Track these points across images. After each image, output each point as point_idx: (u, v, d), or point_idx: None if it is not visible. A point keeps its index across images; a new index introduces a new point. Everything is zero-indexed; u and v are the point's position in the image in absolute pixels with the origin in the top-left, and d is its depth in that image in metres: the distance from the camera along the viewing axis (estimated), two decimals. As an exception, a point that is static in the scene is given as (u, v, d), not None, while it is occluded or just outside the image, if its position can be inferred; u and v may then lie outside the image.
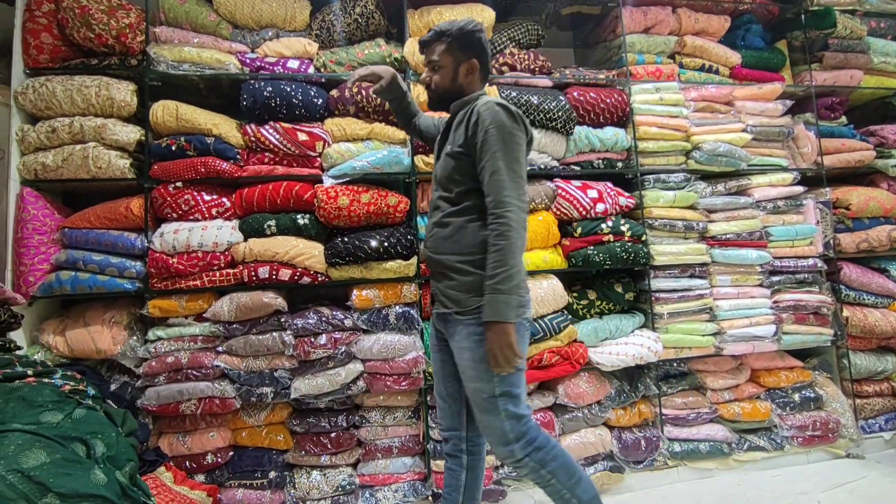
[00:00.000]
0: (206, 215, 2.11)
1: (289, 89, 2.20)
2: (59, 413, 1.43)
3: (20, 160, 2.01)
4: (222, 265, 2.09)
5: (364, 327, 2.14)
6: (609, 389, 2.36)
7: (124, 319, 2.01)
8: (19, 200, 1.99)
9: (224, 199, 2.15)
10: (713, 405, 2.49)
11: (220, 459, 2.08)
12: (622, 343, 2.34)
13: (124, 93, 2.03)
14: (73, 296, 1.99)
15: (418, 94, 2.28)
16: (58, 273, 1.98)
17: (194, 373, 2.00)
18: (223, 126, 2.15)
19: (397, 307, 2.16)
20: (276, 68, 2.24)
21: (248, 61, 2.24)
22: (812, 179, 2.75)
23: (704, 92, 2.63)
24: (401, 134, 2.30)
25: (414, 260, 2.16)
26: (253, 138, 2.16)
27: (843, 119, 2.89)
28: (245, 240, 2.13)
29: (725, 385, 2.52)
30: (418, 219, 2.26)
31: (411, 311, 2.16)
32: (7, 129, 2.02)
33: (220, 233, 2.08)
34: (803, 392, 2.58)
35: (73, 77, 2.02)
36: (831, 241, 2.68)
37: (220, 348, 2.06)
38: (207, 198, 2.12)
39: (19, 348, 1.73)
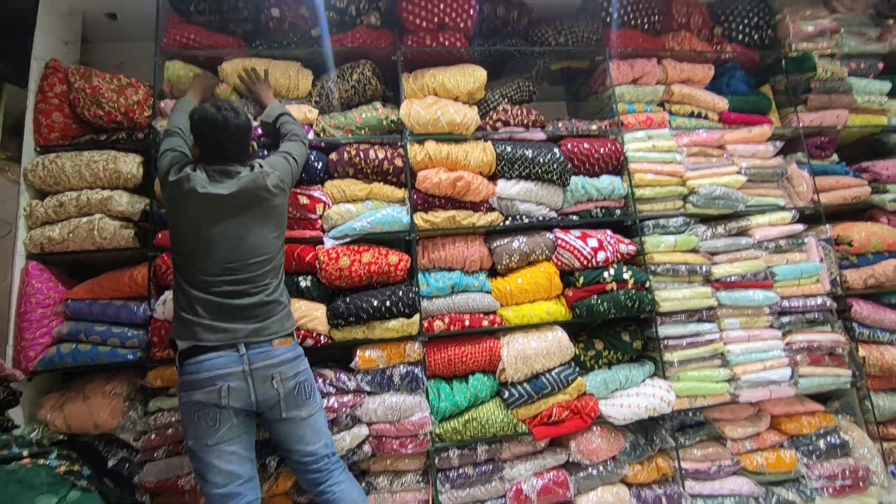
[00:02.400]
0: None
1: (290, 154, 2.25)
2: (53, 497, 1.39)
3: (27, 234, 2.05)
4: (224, 331, 2.07)
5: (368, 389, 2.10)
6: (623, 443, 2.27)
7: (124, 391, 1.98)
8: (24, 274, 2.01)
9: (226, 264, 2.16)
10: (735, 456, 2.39)
11: (221, 536, 1.98)
12: (633, 394, 2.27)
13: (131, 165, 2.10)
14: (75, 368, 1.97)
15: (415, 153, 2.34)
16: (59, 346, 1.97)
17: (195, 444, 1.94)
18: (226, 192, 2.19)
19: (401, 367, 2.13)
20: (277, 135, 2.31)
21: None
22: (811, 217, 2.76)
23: (696, 137, 2.68)
24: (399, 193, 2.34)
25: (416, 318, 2.15)
26: (255, 203, 2.20)
27: (835, 157, 2.93)
28: (247, 304, 2.13)
29: (745, 434, 2.43)
30: (420, 276, 2.26)
31: (416, 371, 2.12)
32: (15, 205, 2.07)
33: (222, 298, 2.08)
34: (828, 438, 2.48)
35: (82, 153, 2.09)
36: (838, 279, 2.66)
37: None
38: (211, 264, 2.13)
39: (16, 427, 1.70)
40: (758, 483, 2.35)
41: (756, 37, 2.95)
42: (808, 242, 2.68)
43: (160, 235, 2.11)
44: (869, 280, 2.66)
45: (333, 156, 2.34)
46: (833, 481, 2.37)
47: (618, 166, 2.56)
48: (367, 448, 2.06)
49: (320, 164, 2.31)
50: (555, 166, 2.37)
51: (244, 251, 1.64)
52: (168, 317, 2.01)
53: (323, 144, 2.37)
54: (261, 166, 1.77)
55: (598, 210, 2.51)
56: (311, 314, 2.11)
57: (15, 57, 2.25)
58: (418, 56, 2.55)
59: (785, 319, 2.55)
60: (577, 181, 2.46)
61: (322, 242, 2.24)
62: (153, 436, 1.92)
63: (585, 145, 2.49)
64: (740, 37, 2.94)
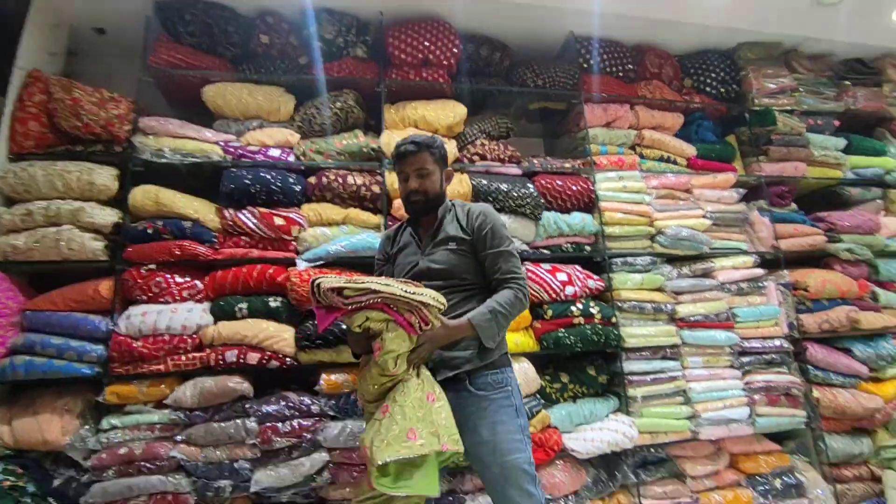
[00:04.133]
0: (177, 297, 2.10)
1: (269, 176, 2.28)
2: (-7, 514, 1.33)
3: (-9, 242, 2.01)
4: (189, 348, 2.05)
5: (331, 413, 2.08)
6: (586, 479, 2.28)
7: (77, 407, 1.92)
8: (-17, 282, 1.96)
9: (196, 282, 2.15)
10: (694, 494, 2.41)
11: (166, 567, 1.90)
12: (597, 428, 2.30)
13: (105, 177, 2.09)
14: (25, 382, 1.91)
15: (393, 181, 2.39)
16: (12, 358, 1.91)
17: (147, 465, 1.88)
18: (202, 210, 2.20)
19: (367, 392, 2.11)
20: (257, 156, 2.35)
21: (231, 149, 2.34)
22: (771, 262, 2.88)
23: (665, 180, 2.80)
24: (375, 219, 2.38)
25: (385, 343, 2.15)
26: (230, 222, 2.21)
27: (794, 206, 3.09)
28: (215, 322, 2.11)
29: (705, 472, 2.46)
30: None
31: (381, 396, 2.11)
32: (-18, 211, 2.04)
33: (189, 315, 2.06)
34: (784, 478, 2.53)
35: (55, 163, 2.08)
36: (794, 322, 2.76)
37: (178, 437, 1.96)
38: (179, 280, 2.12)
39: (-39, 440, 1.63)
40: (716, 522, 2.37)
41: (723, 90, 3.13)
42: (767, 286, 2.79)
43: (130, 249, 2.09)
44: (823, 325, 2.76)
45: (313, 179, 2.38)
46: (788, 522, 2.41)
47: (589, 204, 2.66)
48: (326, 474, 2.02)
49: (299, 186, 2.35)
50: (528, 200, 2.45)
51: None
52: (131, 333, 1.97)
53: (303, 168, 2.41)
54: None
55: (569, 245, 2.58)
56: (279, 335, 2.10)
57: (-4, 64, 2.26)
58: (401, 89, 2.63)
59: (745, 360, 2.63)
60: (549, 216, 2.53)
61: (294, 264, 2.25)
62: (104, 455, 1.86)
63: (558, 182, 2.58)
64: (708, 89, 3.12)
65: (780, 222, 2.94)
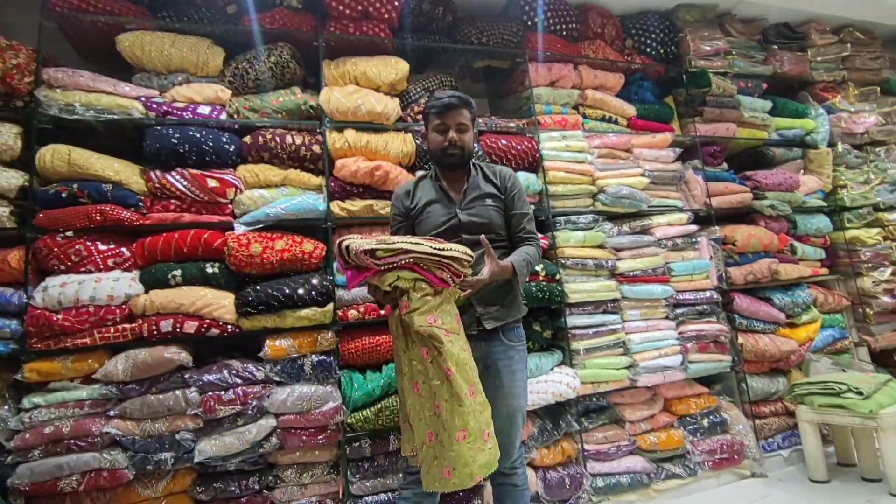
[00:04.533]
0: (101, 266, 1.96)
1: (199, 135, 2.14)
2: None
3: None
4: (118, 320, 1.92)
5: (277, 379, 2.03)
6: (532, 429, 2.37)
7: (-6, 386, 1.78)
8: None
9: (122, 249, 2.01)
10: (632, 437, 2.57)
11: (109, 541, 1.84)
12: (542, 381, 2.38)
13: (6, 136, 1.89)
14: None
15: (334, 140, 2.30)
16: (-88, 337, 1.73)
17: (78, 443, 1.79)
18: (123, 172, 2.04)
19: (313, 356, 2.08)
20: (185, 114, 2.18)
21: (154, 106, 2.16)
22: (703, 219, 3.03)
23: (606, 140, 2.86)
24: (316, 180, 2.29)
25: (330, 307, 2.11)
26: (158, 185, 2.06)
27: (725, 165, 3.25)
28: (146, 291, 1.99)
29: (642, 416, 2.63)
30: (335, 264, 2.22)
31: (329, 360, 2.09)
32: None
33: (116, 285, 1.93)
34: (711, 417, 2.74)
35: (-55, 120, 1.85)
36: (723, 275, 2.94)
37: (111, 412, 1.86)
38: (103, 248, 1.97)
39: None
40: (650, 460, 2.55)
41: (662, 51, 3.19)
42: (700, 241, 2.95)
43: (42, 215, 1.91)
44: (748, 276, 2.97)
45: (248, 139, 2.25)
46: (713, 455, 2.63)
47: (533, 164, 2.67)
48: (274, 440, 1.99)
49: (233, 146, 2.22)
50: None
51: None
52: (49, 305, 1.83)
53: (237, 126, 2.27)
54: None
55: (514, 205, 2.60)
56: (218, 302, 2.01)
57: None
58: (340, 44, 2.50)
59: (679, 311, 2.79)
60: (494, 176, 2.53)
61: (232, 228, 2.14)
62: (27, 435, 1.74)
63: (503, 141, 2.58)
64: (648, 50, 3.17)
65: (712, 181, 3.09)
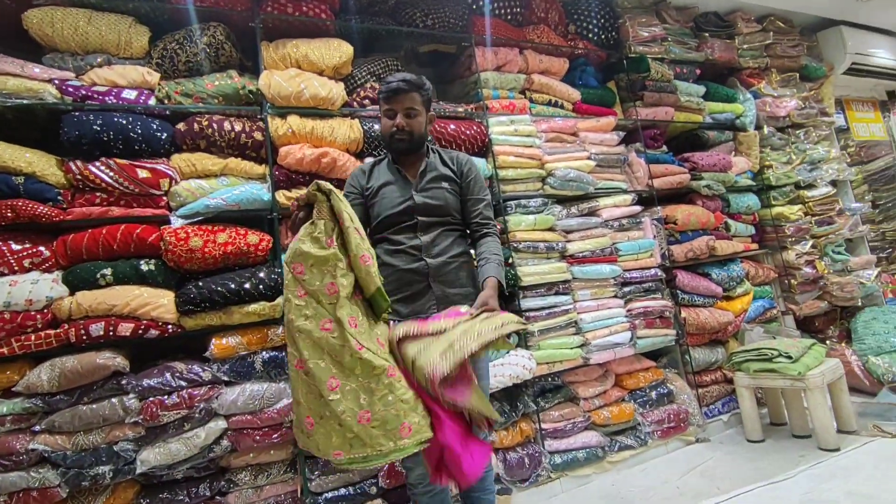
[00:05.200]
0: (16, 268, 1.77)
1: (125, 122, 1.97)
2: None
3: None
4: (39, 326, 1.76)
5: (226, 379, 1.94)
6: (491, 411, 2.39)
7: None
8: None
9: (41, 248, 1.83)
10: (586, 413, 2.65)
11: (43, 565, 1.69)
12: (499, 364, 2.40)
13: None
14: None
15: (277, 127, 2.19)
16: None
17: (2, 462, 1.63)
18: (38, 163, 1.84)
19: (264, 353, 1.99)
20: (107, 98, 2.00)
21: (70, 90, 1.97)
22: (646, 200, 3.15)
23: (553, 124, 2.89)
24: (259, 168, 2.18)
25: (280, 300, 2.02)
26: (79, 176, 1.89)
27: (664, 148, 3.38)
28: (71, 293, 1.83)
29: (595, 393, 2.71)
30: (283, 256, 2.13)
31: (281, 356, 2.00)
32: None
33: (35, 287, 1.75)
34: (658, 389, 2.88)
35: None
36: (666, 253, 3.08)
37: (37, 427, 1.70)
38: (17, 247, 1.78)
39: None
40: (604, 434, 2.65)
41: (604, 37, 3.26)
42: (644, 221, 3.07)
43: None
44: (688, 253, 3.12)
45: (181, 126, 2.10)
46: (661, 425, 2.77)
47: (482, 148, 2.67)
48: (225, 443, 1.90)
49: (165, 134, 2.07)
50: (423, 145, 2.39)
51: None
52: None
53: (168, 113, 2.12)
54: None
55: (466, 190, 2.59)
56: (156, 301, 1.88)
57: None
58: (279, 25, 2.38)
59: (626, 289, 2.89)
60: (445, 162, 2.50)
61: (168, 222, 2.00)
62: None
63: (452, 126, 2.55)
64: (590, 35, 3.24)
65: (653, 163, 3.21)
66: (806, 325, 3.76)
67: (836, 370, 2.74)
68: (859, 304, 3.83)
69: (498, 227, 2.52)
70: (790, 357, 2.67)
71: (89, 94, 1.98)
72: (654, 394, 2.85)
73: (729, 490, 2.25)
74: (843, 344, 3.58)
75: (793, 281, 3.63)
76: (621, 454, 2.65)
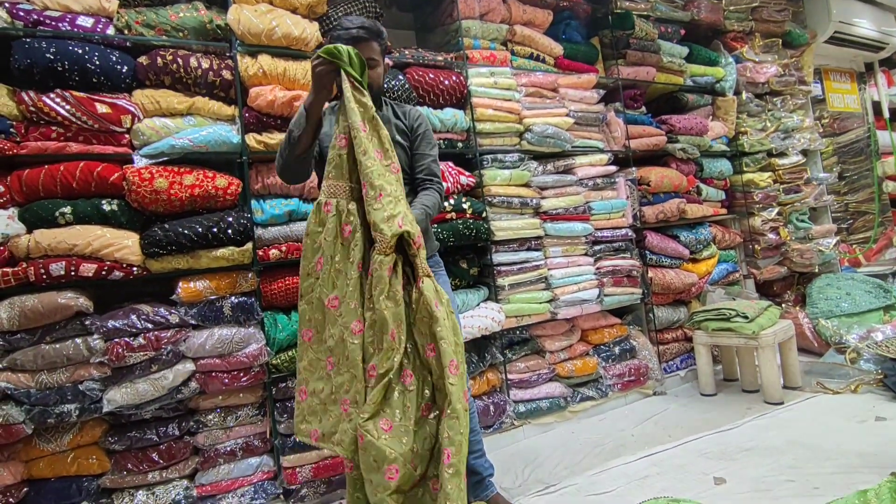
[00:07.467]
0: (-32, 203, 1.70)
1: (80, 51, 1.85)
2: None
3: None
4: (-4, 263, 1.70)
5: (194, 322, 1.93)
6: (459, 361, 2.46)
7: None
8: None
9: (-6, 183, 1.75)
10: (551, 366, 2.75)
11: (11, 500, 1.71)
12: (469, 316, 2.45)
13: None
14: None
15: (247, 66, 2.10)
16: None
17: (-39, 399, 1.61)
18: (-14, 92, 1.74)
19: (233, 298, 1.98)
20: (61, 25, 1.87)
21: (20, 14, 1.83)
22: (622, 160, 3.17)
23: (533, 78, 2.84)
24: (228, 109, 2.10)
25: (249, 246, 2.00)
26: (33, 108, 1.78)
27: (643, 109, 3.37)
28: (29, 231, 1.76)
29: (561, 346, 2.81)
30: (253, 202, 2.09)
31: (250, 301, 2.00)
32: None
33: (-10, 224, 1.69)
34: (622, 345, 2.99)
35: None
36: (638, 213, 3.13)
37: (-2, 365, 1.68)
38: (-32, 181, 1.70)
39: None
40: (567, 386, 2.76)
41: (590, -11, 3.17)
42: (618, 182, 3.10)
43: None
44: (659, 215, 3.18)
45: (144, 60, 1.99)
46: (622, 378, 2.90)
47: (461, 100, 2.62)
48: (194, 385, 1.91)
49: (125, 67, 1.96)
50: (399, 93, 2.33)
51: None
52: None
53: (129, 44, 2.00)
54: None
55: (442, 142, 2.55)
56: (120, 242, 1.83)
57: None
58: (249, -46, 2.23)
59: (597, 248, 2.95)
60: (422, 111, 2.45)
61: (131, 161, 1.93)
62: None
63: (431, 75, 2.48)
64: (576, -13, 3.14)
65: (631, 124, 3.21)
66: (765, 289, 3.92)
67: (787, 331, 2.89)
68: (816, 270, 4.00)
69: (470, 179, 2.54)
70: (746, 317, 2.80)
71: (41, 18, 1.85)
72: (617, 349, 2.96)
73: (679, 437, 2.40)
74: (798, 307, 3.77)
75: (756, 246, 3.75)
76: (583, 405, 2.78)
